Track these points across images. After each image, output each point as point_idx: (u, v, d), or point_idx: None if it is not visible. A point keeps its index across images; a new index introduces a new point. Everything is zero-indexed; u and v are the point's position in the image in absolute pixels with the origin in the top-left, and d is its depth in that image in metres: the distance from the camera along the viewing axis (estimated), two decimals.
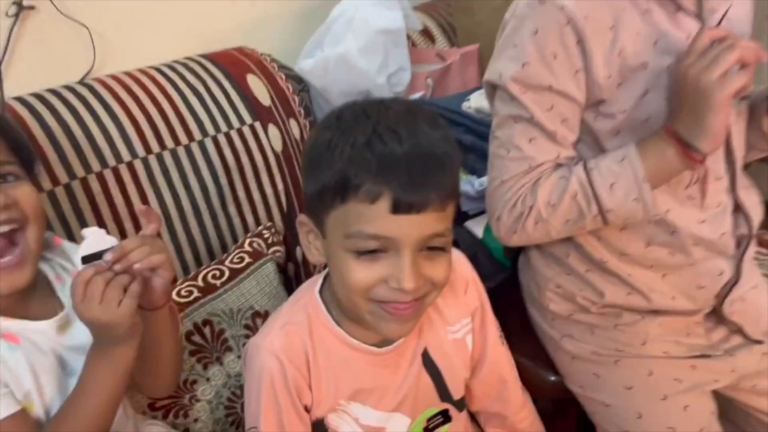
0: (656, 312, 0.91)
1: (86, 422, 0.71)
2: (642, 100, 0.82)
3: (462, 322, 0.84)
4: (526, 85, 0.82)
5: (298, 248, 1.18)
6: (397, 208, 0.64)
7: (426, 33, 1.44)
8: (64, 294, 0.77)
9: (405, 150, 0.65)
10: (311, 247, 0.74)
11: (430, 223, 0.66)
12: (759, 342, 0.93)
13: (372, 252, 0.67)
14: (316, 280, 0.80)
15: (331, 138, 0.67)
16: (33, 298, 0.75)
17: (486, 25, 1.35)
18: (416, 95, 1.22)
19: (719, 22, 0.82)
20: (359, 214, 0.65)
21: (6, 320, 0.71)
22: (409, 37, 1.37)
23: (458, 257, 0.85)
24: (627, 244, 0.89)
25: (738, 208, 0.90)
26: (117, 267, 0.68)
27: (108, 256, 0.67)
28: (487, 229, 1.08)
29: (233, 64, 1.17)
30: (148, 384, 0.86)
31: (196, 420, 0.94)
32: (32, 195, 0.73)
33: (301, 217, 0.74)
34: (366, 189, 0.64)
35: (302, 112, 1.20)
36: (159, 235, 0.77)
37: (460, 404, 0.85)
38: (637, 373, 0.91)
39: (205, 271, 1.01)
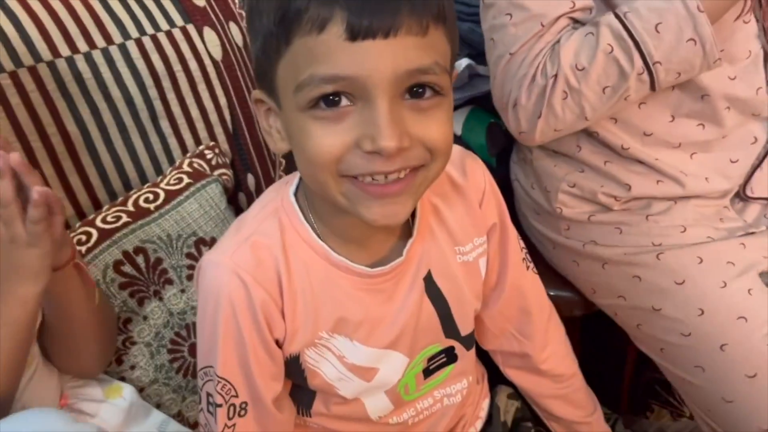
0: (688, 197, 0.80)
1: None
2: None
3: (475, 241, 0.68)
4: None
5: (249, 175, 1.02)
6: (355, 32, 0.47)
7: None
8: None
9: None
10: (272, 131, 0.58)
11: (407, 52, 0.49)
12: None
13: (333, 104, 0.50)
14: (291, 179, 0.63)
15: None
16: None
17: None
18: None
19: None
20: (308, 51, 0.49)
21: None
22: None
23: (472, 158, 0.69)
24: (649, 120, 0.76)
25: None
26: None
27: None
28: (467, 125, 0.93)
29: None
30: (70, 365, 0.72)
31: (132, 367, 0.79)
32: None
33: (255, 93, 0.58)
34: (310, 14, 0.48)
35: (243, 14, 1.04)
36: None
37: (469, 341, 0.70)
38: (686, 264, 0.78)
39: (136, 195, 0.85)
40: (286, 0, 0.49)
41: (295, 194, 0.62)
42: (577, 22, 0.73)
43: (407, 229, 0.64)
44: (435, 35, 0.51)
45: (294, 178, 0.63)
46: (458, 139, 0.93)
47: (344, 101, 0.50)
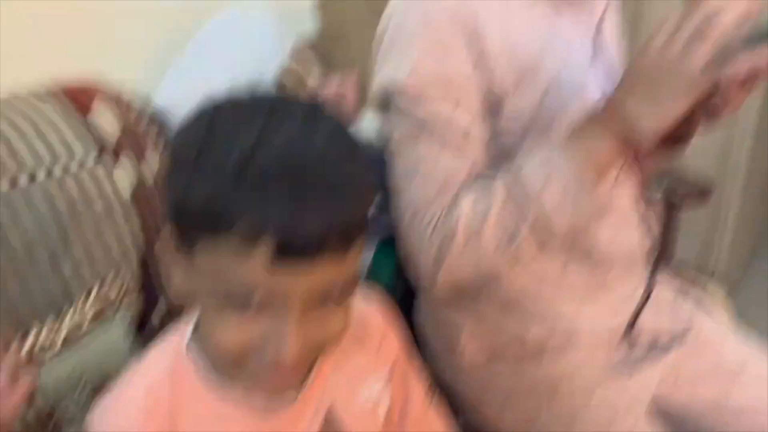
0: (579, 342, 0.86)
1: None
2: (545, 100, 0.75)
3: (374, 387, 0.69)
4: (424, 82, 0.73)
5: (156, 307, 1.03)
6: (281, 257, 0.49)
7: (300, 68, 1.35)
8: None
9: (294, 179, 0.49)
10: (173, 275, 0.58)
11: (327, 272, 0.51)
12: (669, 348, 0.92)
13: (246, 302, 0.52)
14: (184, 330, 0.63)
15: (201, 147, 0.51)
16: None
17: (363, 55, 1.29)
18: None
19: (603, 13, 0.81)
20: (233, 256, 0.50)
21: None
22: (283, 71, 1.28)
23: (372, 304, 0.71)
24: (541, 271, 0.83)
25: (643, 217, 0.87)
26: None
27: None
28: (375, 263, 0.97)
29: (77, 96, 1.02)
30: None
31: None
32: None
33: (160, 245, 0.58)
34: (240, 228, 0.49)
35: (158, 149, 1.06)
36: None
37: None
38: (576, 404, 0.86)
39: (31, 338, 0.85)
40: (217, 202, 0.49)
41: (189, 342, 0.62)
42: (477, 176, 0.79)
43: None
44: (354, 250, 0.53)
45: (188, 327, 0.63)
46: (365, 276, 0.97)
47: (254, 302, 0.52)
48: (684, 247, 1.87)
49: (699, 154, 1.72)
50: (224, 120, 0.53)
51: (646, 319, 0.91)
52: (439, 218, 0.75)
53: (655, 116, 0.67)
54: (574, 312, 0.86)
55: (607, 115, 0.70)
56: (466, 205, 0.73)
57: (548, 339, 0.86)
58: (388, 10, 0.77)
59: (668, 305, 0.96)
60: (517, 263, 0.77)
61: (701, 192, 1.45)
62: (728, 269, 1.94)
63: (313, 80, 1.32)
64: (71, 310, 0.90)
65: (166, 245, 0.58)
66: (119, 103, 1.06)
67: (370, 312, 0.71)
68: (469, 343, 0.89)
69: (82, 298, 0.92)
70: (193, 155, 0.51)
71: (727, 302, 1.36)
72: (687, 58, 0.64)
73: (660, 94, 0.66)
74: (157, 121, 1.11)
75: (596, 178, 0.72)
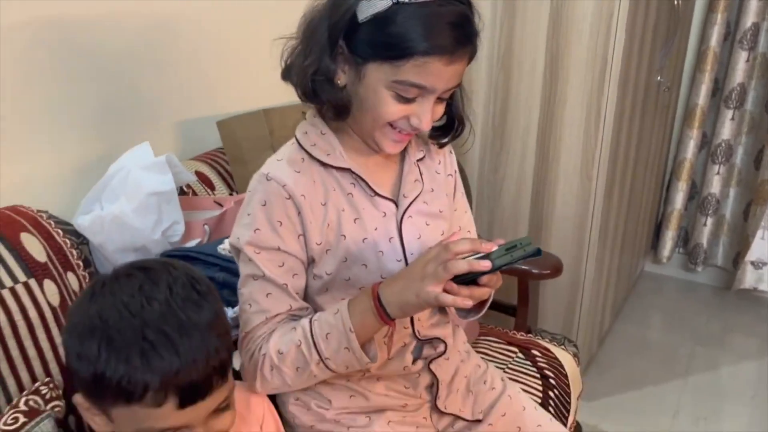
0: (382, 410, 1.05)
1: None
2: (343, 264, 0.98)
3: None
4: (260, 246, 0.95)
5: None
6: (184, 404, 0.72)
7: (205, 180, 1.56)
8: None
9: (182, 358, 0.71)
10: (93, 422, 0.79)
11: (216, 398, 0.76)
12: (479, 421, 1.12)
13: None
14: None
15: (95, 350, 0.71)
16: None
17: None
18: (192, 242, 1.32)
19: (410, 204, 1.02)
20: (147, 414, 0.72)
21: None
22: (189, 187, 1.49)
23: (251, 395, 0.96)
24: None
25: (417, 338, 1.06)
26: None
27: None
28: None
29: (7, 224, 1.19)
30: None
31: None
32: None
33: (77, 398, 0.78)
34: (150, 397, 0.71)
35: (81, 264, 1.23)
36: None
37: None
38: None
39: None
40: (127, 388, 0.71)
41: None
42: (292, 315, 1.00)
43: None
44: (229, 376, 0.79)
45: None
46: None
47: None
48: (548, 319, 2.16)
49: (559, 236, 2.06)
50: (111, 324, 0.72)
51: (445, 400, 1.10)
52: (257, 347, 0.97)
53: (397, 309, 0.90)
54: (369, 382, 1.06)
55: (371, 296, 0.91)
56: (273, 344, 0.96)
57: (350, 402, 1.05)
58: (251, 181, 0.98)
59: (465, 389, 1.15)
60: (314, 381, 1.00)
61: (554, 269, 1.73)
62: (587, 342, 2.21)
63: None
64: (9, 406, 1.04)
65: (82, 403, 0.78)
66: (43, 228, 1.23)
67: (249, 395, 0.95)
68: (296, 408, 1.08)
69: (21, 397, 1.06)
70: (95, 354, 0.70)
71: (578, 370, 1.60)
72: (429, 281, 0.85)
73: (404, 294, 0.89)
74: (78, 239, 1.28)
75: (364, 336, 0.94)
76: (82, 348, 0.72)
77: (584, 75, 1.89)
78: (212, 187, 1.57)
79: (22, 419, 1.02)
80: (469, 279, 0.86)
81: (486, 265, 0.83)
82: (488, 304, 1.02)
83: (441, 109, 0.96)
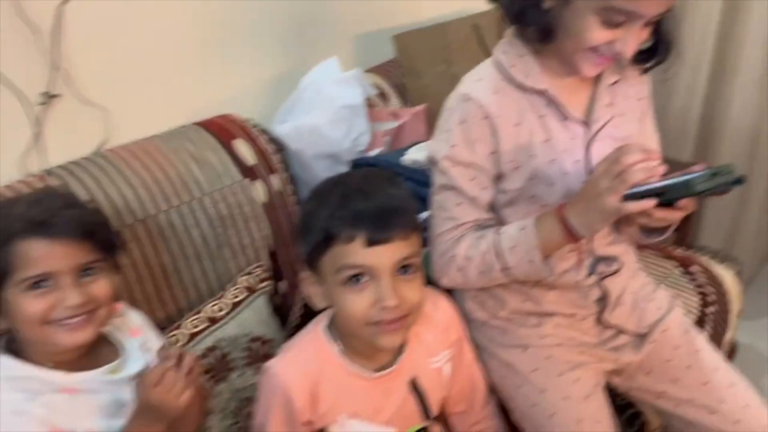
0: (551, 314, 1.15)
1: None
2: (529, 182, 1.05)
3: (442, 354, 1.06)
4: (455, 161, 1.04)
5: (280, 283, 1.39)
6: (369, 243, 0.87)
7: (381, 94, 1.67)
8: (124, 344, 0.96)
9: (369, 202, 0.89)
10: (314, 296, 0.96)
11: (398, 249, 0.89)
12: (641, 337, 1.17)
13: (357, 279, 0.89)
14: (321, 319, 1.02)
15: (312, 208, 0.92)
16: (94, 351, 0.93)
17: (432, 88, 1.60)
18: (374, 151, 1.46)
19: (601, 128, 1.05)
20: (343, 252, 0.88)
21: (65, 375, 0.88)
22: (367, 99, 1.61)
23: (441, 298, 1.08)
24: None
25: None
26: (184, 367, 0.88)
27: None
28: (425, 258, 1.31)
29: (222, 130, 1.39)
30: None
31: (205, 430, 1.14)
32: (107, 285, 0.89)
33: (303, 274, 0.97)
34: (344, 235, 0.88)
35: (281, 168, 1.42)
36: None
37: (437, 419, 1.09)
38: (539, 358, 1.15)
39: (208, 306, 1.22)
40: (329, 226, 0.89)
41: (328, 327, 1.00)
42: (479, 225, 1.09)
43: (399, 348, 1.02)
44: (413, 237, 0.92)
45: (324, 318, 1.01)
46: None
47: (362, 277, 0.89)
48: (709, 234, 2.13)
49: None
50: (321, 189, 0.95)
51: (612, 312, 1.15)
52: (447, 248, 1.08)
53: (584, 228, 0.95)
54: (542, 291, 1.13)
55: (558, 217, 0.97)
56: (462, 249, 1.06)
57: (522, 306, 1.14)
58: (449, 99, 1.07)
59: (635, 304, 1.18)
60: (493, 284, 1.10)
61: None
62: (750, 259, 2.14)
63: (393, 105, 1.65)
64: (231, 283, 1.27)
65: (306, 281, 0.96)
66: (250, 135, 1.42)
67: (438, 298, 1.07)
68: (474, 305, 1.19)
69: (237, 274, 1.29)
70: (310, 214, 0.92)
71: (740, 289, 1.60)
72: (607, 195, 0.88)
73: (588, 214, 0.93)
74: (277, 146, 1.47)
75: (548, 251, 1.01)
76: (303, 213, 0.95)
77: None
78: (387, 100, 1.68)
79: (243, 294, 1.25)
80: (665, 201, 0.88)
81: (656, 187, 0.86)
82: (674, 227, 1.04)
83: (645, 33, 0.95)
